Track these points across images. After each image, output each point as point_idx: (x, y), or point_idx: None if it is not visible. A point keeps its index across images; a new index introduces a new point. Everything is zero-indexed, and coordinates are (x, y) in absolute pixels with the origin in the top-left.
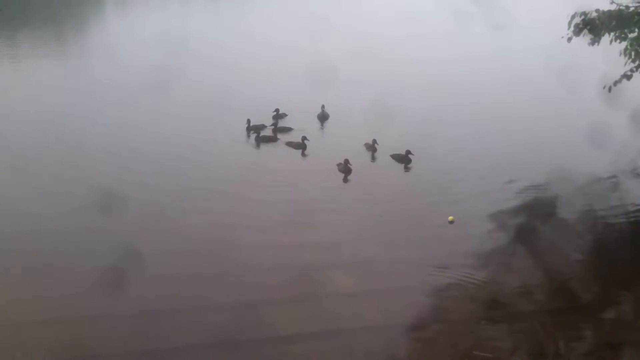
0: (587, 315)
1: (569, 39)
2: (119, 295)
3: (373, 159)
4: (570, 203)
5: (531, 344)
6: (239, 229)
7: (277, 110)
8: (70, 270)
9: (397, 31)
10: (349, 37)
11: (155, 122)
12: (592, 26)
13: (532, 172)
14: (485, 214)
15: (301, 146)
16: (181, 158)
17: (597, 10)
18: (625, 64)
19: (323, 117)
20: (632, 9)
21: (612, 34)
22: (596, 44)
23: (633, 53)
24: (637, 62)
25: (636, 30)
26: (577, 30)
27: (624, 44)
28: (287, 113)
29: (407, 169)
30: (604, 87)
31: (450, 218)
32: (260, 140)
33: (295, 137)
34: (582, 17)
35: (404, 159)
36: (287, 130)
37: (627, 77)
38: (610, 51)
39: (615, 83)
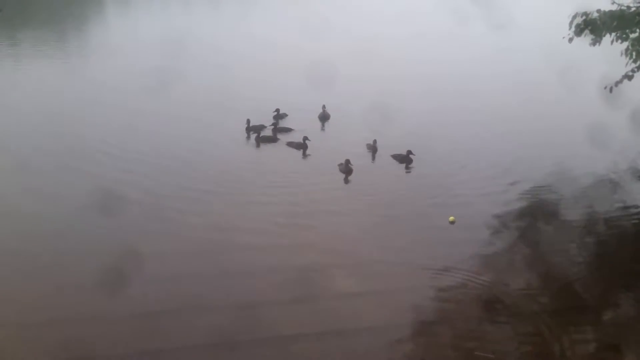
0: (589, 316)
1: (570, 40)
2: (119, 295)
3: (374, 159)
4: (571, 204)
5: (533, 345)
6: (239, 230)
7: (277, 110)
8: (70, 270)
9: (397, 31)
10: (349, 38)
11: (155, 122)
12: (593, 26)
13: (534, 173)
14: (486, 214)
15: (302, 146)
16: (181, 158)
17: (598, 11)
18: (627, 64)
19: (324, 118)
20: (633, 9)
21: (613, 34)
22: (597, 44)
23: (634, 53)
24: (638, 63)
25: (637, 30)
26: (579, 31)
27: (625, 44)
28: (287, 113)
29: (408, 169)
30: (605, 88)
31: (451, 218)
32: (261, 141)
33: (295, 137)
34: (584, 17)
35: (405, 159)
36: (287, 130)
37: (628, 77)
38: (610, 51)
39: (617, 83)
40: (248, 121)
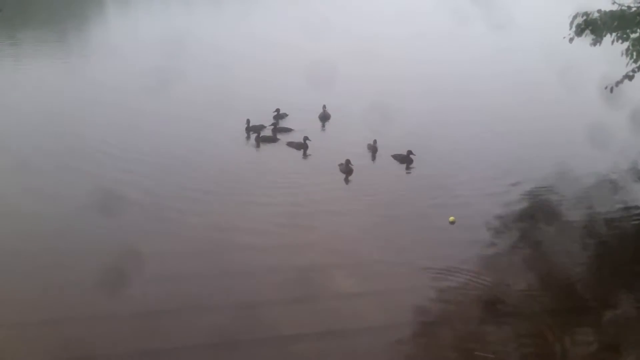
0: (590, 317)
1: (571, 40)
2: (119, 295)
3: (374, 159)
4: (572, 204)
5: (534, 345)
6: (239, 229)
7: (277, 110)
8: (70, 270)
9: (397, 31)
10: (349, 38)
11: (156, 122)
12: (594, 27)
13: (534, 173)
14: (486, 215)
15: (302, 146)
16: (181, 158)
17: (599, 11)
18: (627, 64)
19: (324, 117)
20: (634, 9)
21: (613, 34)
22: (598, 44)
23: (635, 53)
24: (638, 63)
25: (638, 30)
26: (579, 31)
27: (626, 44)
28: (287, 113)
29: (408, 169)
30: (606, 88)
31: (452, 218)
32: (261, 141)
33: (295, 137)
34: (584, 17)
35: (406, 160)
36: (287, 130)
37: (629, 77)
38: (610, 51)
39: (617, 83)
40: (248, 121)
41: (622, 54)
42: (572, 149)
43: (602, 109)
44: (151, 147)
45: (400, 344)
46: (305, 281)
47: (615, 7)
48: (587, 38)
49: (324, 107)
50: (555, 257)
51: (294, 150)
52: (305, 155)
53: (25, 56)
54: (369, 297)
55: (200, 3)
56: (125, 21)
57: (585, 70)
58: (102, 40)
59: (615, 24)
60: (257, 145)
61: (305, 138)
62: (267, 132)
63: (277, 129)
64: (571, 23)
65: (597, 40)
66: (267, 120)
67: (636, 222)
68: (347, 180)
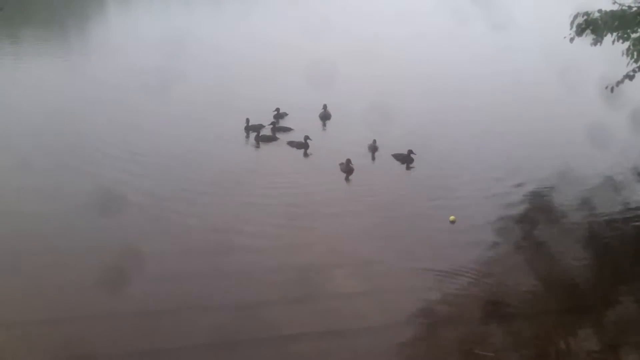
0: (590, 317)
1: (572, 39)
2: (120, 294)
3: (373, 159)
4: (573, 204)
5: (535, 346)
6: (239, 229)
7: (277, 109)
8: (70, 269)
9: (397, 31)
10: (349, 37)
11: (156, 121)
12: (594, 26)
13: (535, 173)
14: (487, 215)
15: (303, 146)
16: (181, 158)
17: (599, 11)
18: (628, 64)
19: (325, 117)
20: (634, 9)
21: (614, 34)
22: (599, 44)
23: (635, 53)
24: (639, 63)
25: (639, 30)
26: (580, 31)
27: (627, 44)
28: (287, 112)
29: (409, 168)
30: (607, 88)
31: (452, 218)
32: (260, 140)
33: (295, 136)
34: (585, 17)
35: (406, 159)
36: (287, 130)
37: (630, 77)
38: (610, 51)
39: (618, 83)
40: (247, 120)
41: (623, 54)
42: (573, 148)
43: (603, 109)
44: (151, 146)
45: (401, 344)
46: (306, 281)
47: (615, 7)
48: (588, 38)
49: (325, 106)
50: (556, 257)
51: (294, 150)
52: (306, 155)
53: (25, 55)
54: (369, 297)
55: (200, 3)
56: (125, 20)
57: (586, 70)
58: (102, 39)
59: (616, 23)
60: (257, 145)
61: (306, 137)
62: (267, 132)
63: (277, 128)
64: (572, 23)
65: (598, 40)
66: (267, 120)
67: (637, 222)
68: (347, 180)
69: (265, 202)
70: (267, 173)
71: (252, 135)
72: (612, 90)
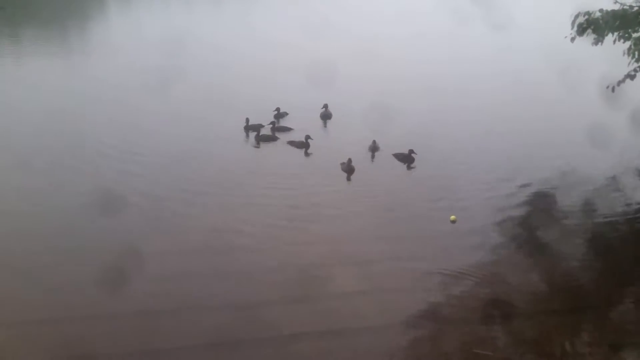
0: (590, 316)
1: (572, 39)
2: (120, 294)
3: (373, 158)
4: (574, 204)
5: (536, 346)
6: (239, 229)
7: (277, 109)
8: (70, 269)
9: (397, 31)
10: (349, 37)
11: (156, 120)
12: (595, 26)
13: (535, 173)
14: (488, 215)
15: (304, 145)
16: (181, 158)
17: (600, 10)
18: (629, 63)
19: (326, 116)
20: (635, 8)
21: (615, 33)
22: (600, 43)
23: (637, 53)
24: None
25: None
26: (581, 30)
27: (628, 43)
28: (287, 112)
29: (410, 168)
30: (607, 87)
31: (453, 217)
32: (260, 139)
33: (295, 136)
34: (586, 17)
35: (407, 159)
36: (286, 129)
37: (631, 77)
38: (611, 51)
39: (619, 83)
40: (247, 120)
41: (624, 54)
42: (574, 148)
43: (604, 109)
44: (151, 145)
45: (401, 343)
46: (306, 281)
47: (617, 7)
48: (588, 38)
49: (326, 106)
50: (558, 258)
51: (295, 149)
52: (307, 154)
53: (26, 54)
54: (369, 297)
55: (200, 2)
56: (126, 19)
57: (586, 69)
58: (102, 38)
59: (617, 23)
60: (257, 145)
61: (307, 137)
62: (266, 131)
63: (276, 128)
64: (573, 22)
65: (599, 39)
66: (267, 120)
67: (639, 223)
68: (349, 179)
69: (265, 202)
70: (267, 173)
71: (252, 134)
72: (613, 90)
